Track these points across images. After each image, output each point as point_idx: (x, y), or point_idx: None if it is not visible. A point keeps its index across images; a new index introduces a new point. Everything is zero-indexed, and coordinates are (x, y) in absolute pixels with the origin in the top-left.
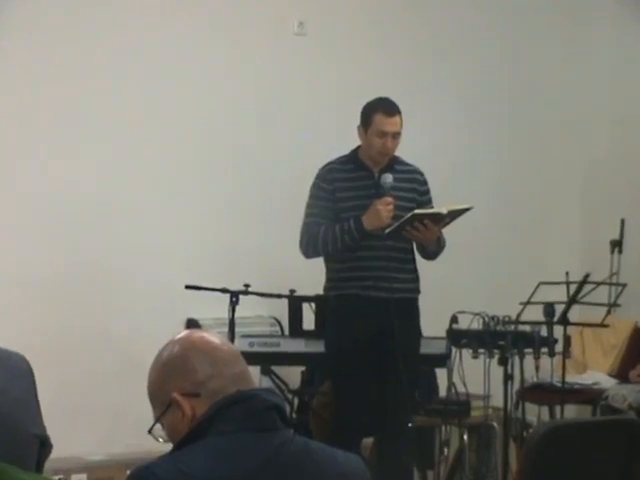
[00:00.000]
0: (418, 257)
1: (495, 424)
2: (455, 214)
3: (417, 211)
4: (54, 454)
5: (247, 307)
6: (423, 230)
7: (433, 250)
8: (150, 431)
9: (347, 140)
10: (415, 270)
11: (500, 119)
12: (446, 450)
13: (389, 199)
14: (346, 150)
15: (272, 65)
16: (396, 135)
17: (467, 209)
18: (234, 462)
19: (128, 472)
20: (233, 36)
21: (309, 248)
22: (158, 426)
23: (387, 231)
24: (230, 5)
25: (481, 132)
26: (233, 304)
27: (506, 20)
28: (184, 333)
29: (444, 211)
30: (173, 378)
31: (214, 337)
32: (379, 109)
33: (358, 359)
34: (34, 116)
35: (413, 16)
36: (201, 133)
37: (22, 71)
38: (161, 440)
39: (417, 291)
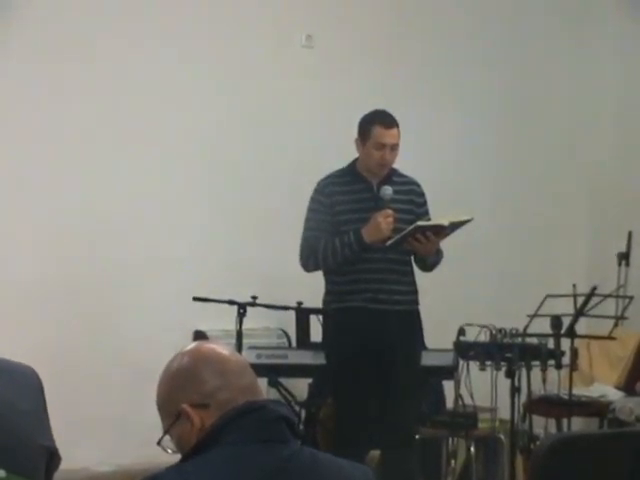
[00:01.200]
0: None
1: (502, 436)
2: (456, 226)
3: (420, 223)
4: (62, 465)
5: (254, 319)
6: (425, 242)
7: (432, 262)
8: (159, 442)
9: (353, 153)
10: (414, 282)
11: (504, 131)
12: (453, 462)
13: (389, 211)
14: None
15: (279, 78)
16: (394, 147)
17: (468, 221)
18: (242, 473)
19: None
20: (240, 48)
21: (309, 262)
22: (167, 437)
23: (389, 243)
24: (237, 17)
25: (487, 145)
26: (240, 316)
27: (510, 24)
28: (193, 345)
29: (446, 223)
30: (182, 389)
31: (223, 348)
32: (377, 121)
33: (359, 372)
34: (39, 123)
35: (419, 29)
36: (209, 146)
37: (28, 78)
38: (170, 451)
39: (416, 303)
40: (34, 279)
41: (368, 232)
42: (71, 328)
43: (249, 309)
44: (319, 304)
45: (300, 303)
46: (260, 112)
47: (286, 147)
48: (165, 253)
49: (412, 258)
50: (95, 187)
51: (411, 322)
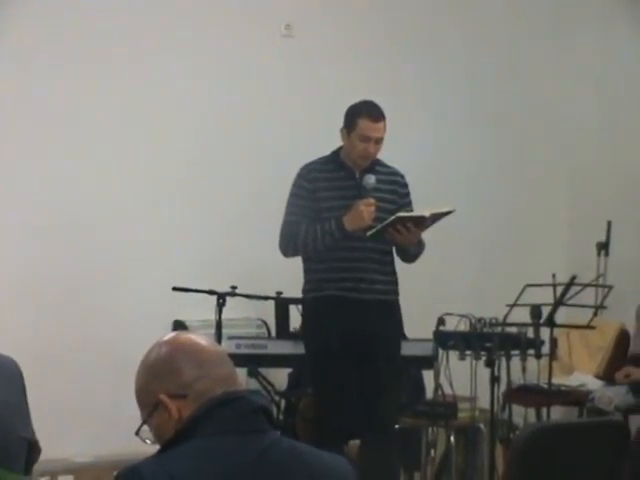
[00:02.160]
0: (397, 260)
1: (482, 426)
2: (437, 217)
3: (400, 214)
4: (41, 456)
5: (234, 309)
6: (405, 233)
7: (413, 253)
8: (137, 433)
9: (333, 142)
10: (394, 272)
11: (486, 121)
12: (433, 452)
13: (371, 200)
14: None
15: (259, 67)
16: (379, 140)
17: (449, 212)
18: (220, 464)
19: (115, 474)
20: (219, 38)
21: (289, 247)
22: (145, 428)
23: (369, 233)
24: (217, 7)
25: (467, 134)
26: (220, 306)
27: (491, 23)
28: (171, 335)
29: (427, 214)
30: (160, 379)
31: (201, 338)
32: (364, 113)
33: (338, 361)
34: (33, 119)
35: (399, 18)
36: (186, 135)
37: (27, 73)
38: (148, 442)
39: (396, 293)
40: (9, 271)
41: (349, 220)
42: (50, 319)
43: (228, 299)
44: (299, 294)
45: (279, 293)
46: (239, 103)
47: (265, 137)
48: (144, 243)
49: (393, 248)
50: (74, 179)
51: (391, 312)
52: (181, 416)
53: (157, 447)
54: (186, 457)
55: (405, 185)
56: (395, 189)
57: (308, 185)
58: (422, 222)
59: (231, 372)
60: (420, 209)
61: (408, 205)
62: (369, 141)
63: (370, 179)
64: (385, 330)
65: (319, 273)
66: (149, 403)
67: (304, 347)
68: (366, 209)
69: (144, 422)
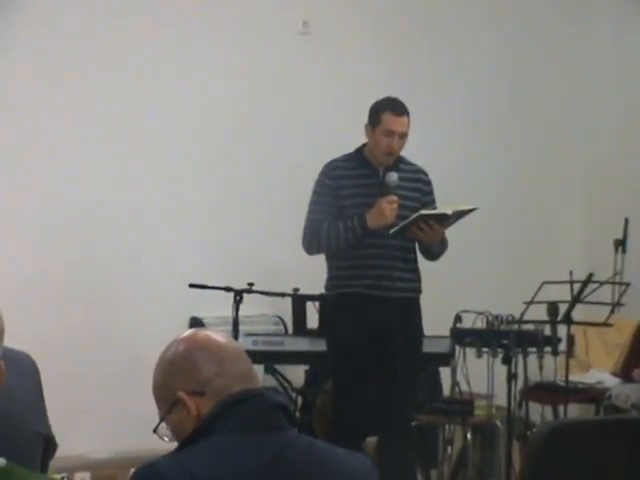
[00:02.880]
0: (420, 257)
1: (498, 423)
2: (460, 215)
3: (423, 212)
4: (58, 452)
5: (251, 306)
6: (428, 230)
7: (436, 251)
8: (155, 430)
9: (350, 139)
10: (417, 270)
11: (503, 118)
12: (449, 449)
13: (394, 197)
14: (349, 149)
15: (276, 64)
16: (403, 135)
17: (472, 210)
18: (239, 461)
19: (132, 470)
20: (237, 35)
21: (312, 245)
22: (163, 425)
23: (392, 231)
24: (234, 4)
25: (483, 131)
26: (237, 303)
27: (509, 20)
28: (189, 332)
29: (449, 212)
30: (178, 377)
31: (219, 335)
32: (388, 108)
33: (358, 358)
34: (45, 116)
35: (417, 15)
36: (203, 132)
37: (37, 72)
38: (166, 439)
39: (419, 291)
40: (27, 269)
41: (372, 217)
42: (67, 315)
43: (245, 296)
44: (315, 291)
45: (297, 290)
46: (257, 100)
47: (283, 134)
48: (162, 241)
49: (416, 246)
50: (92, 175)
51: (412, 310)
52: (200, 413)
53: (174, 444)
54: (205, 454)
55: (428, 183)
56: (418, 187)
57: (331, 183)
58: (445, 220)
59: (249, 369)
60: (441, 207)
61: (432, 203)
62: (393, 136)
63: (393, 176)
64: (405, 328)
65: (341, 270)
66: (167, 400)
67: (325, 343)
68: (389, 207)
69: (162, 419)
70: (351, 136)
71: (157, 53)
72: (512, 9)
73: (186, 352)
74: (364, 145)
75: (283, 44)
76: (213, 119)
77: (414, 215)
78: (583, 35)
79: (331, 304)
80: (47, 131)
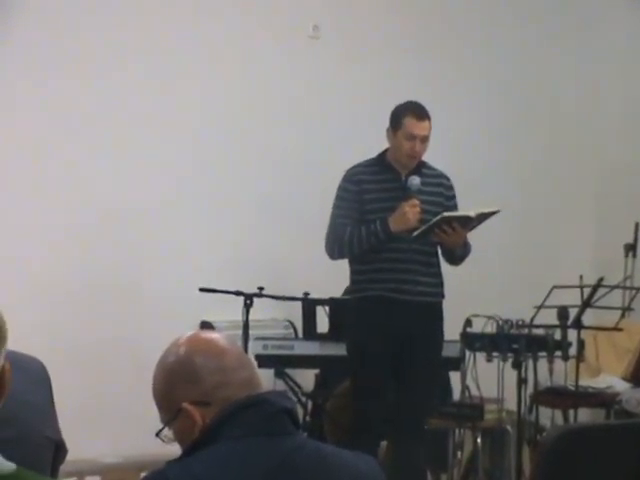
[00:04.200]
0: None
1: (509, 427)
2: (483, 217)
3: (446, 214)
4: (68, 456)
5: (261, 310)
6: (451, 233)
7: (459, 254)
8: (158, 434)
9: (361, 142)
10: (439, 274)
11: (513, 123)
12: (459, 453)
13: (416, 201)
14: (360, 153)
15: (286, 68)
16: (425, 139)
17: (495, 212)
18: (245, 467)
19: (142, 475)
20: (247, 39)
21: (335, 249)
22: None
23: (415, 234)
24: (245, 8)
25: (494, 136)
26: (247, 307)
27: (521, 23)
28: (189, 335)
29: (472, 214)
30: (181, 386)
31: (220, 339)
32: (409, 112)
33: (379, 361)
34: (60, 118)
35: (427, 19)
36: (213, 135)
37: (50, 72)
38: (167, 442)
39: (441, 295)
40: (38, 274)
41: (394, 221)
42: (76, 320)
43: (256, 300)
44: (326, 295)
45: (307, 294)
46: (268, 104)
47: (294, 138)
48: (171, 244)
49: (439, 250)
50: (103, 179)
51: (433, 314)
52: (205, 422)
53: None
54: (212, 461)
55: (451, 187)
56: (441, 191)
57: (353, 187)
58: (468, 222)
59: (252, 374)
60: (465, 210)
61: (454, 207)
62: (415, 139)
63: (415, 180)
64: (426, 332)
65: (364, 274)
66: (170, 409)
67: (346, 347)
68: (411, 210)
69: (165, 425)
70: (363, 139)
71: (168, 54)
72: (526, 10)
73: (187, 359)
74: (386, 150)
75: (294, 48)
76: (224, 122)
77: (437, 217)
78: (592, 42)
79: (353, 308)
80: (63, 133)
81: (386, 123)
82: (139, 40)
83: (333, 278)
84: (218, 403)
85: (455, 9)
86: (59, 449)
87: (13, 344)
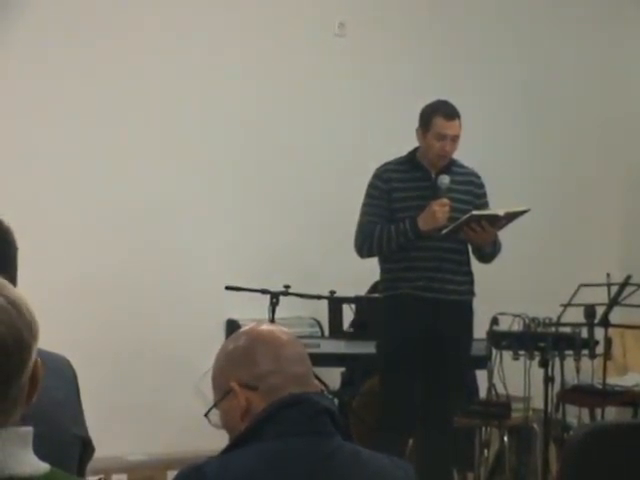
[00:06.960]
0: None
1: (535, 426)
2: (512, 216)
3: (475, 212)
4: (95, 454)
5: (287, 308)
6: (480, 231)
7: (489, 252)
8: (206, 414)
9: (386, 141)
10: (470, 272)
11: (540, 120)
12: (486, 452)
13: (445, 200)
14: (385, 150)
15: (312, 66)
16: (455, 138)
17: (524, 211)
18: (285, 467)
19: (168, 472)
20: (273, 37)
21: (364, 248)
22: (215, 410)
23: (444, 232)
24: (271, 6)
25: (520, 133)
26: (273, 305)
27: (549, 22)
28: (254, 325)
29: (501, 213)
30: (234, 367)
31: (283, 333)
32: (439, 112)
33: (408, 359)
34: (77, 122)
35: (454, 18)
36: (240, 134)
37: (67, 72)
38: (212, 424)
39: (471, 293)
40: (66, 271)
41: (424, 220)
42: (103, 317)
43: (282, 298)
44: (351, 293)
45: (333, 292)
46: (294, 100)
47: (318, 136)
48: (198, 242)
49: (469, 248)
50: (125, 179)
51: (463, 312)
52: (249, 407)
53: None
54: (251, 459)
55: (481, 185)
56: (471, 189)
57: (383, 185)
58: (497, 221)
59: (307, 372)
60: (493, 208)
61: (484, 205)
62: (445, 139)
63: (444, 179)
64: (456, 330)
65: (394, 272)
66: (222, 388)
67: (375, 344)
68: (440, 209)
69: (214, 405)
70: (388, 138)
71: (197, 55)
72: (554, 10)
73: (247, 344)
74: (416, 148)
75: (319, 46)
76: (249, 121)
77: (466, 215)
78: (624, 37)
79: (383, 306)
80: (92, 135)
81: (414, 121)
82: (154, 37)
83: (359, 276)
84: (266, 390)
85: (479, 9)
86: (86, 447)
87: (40, 342)
